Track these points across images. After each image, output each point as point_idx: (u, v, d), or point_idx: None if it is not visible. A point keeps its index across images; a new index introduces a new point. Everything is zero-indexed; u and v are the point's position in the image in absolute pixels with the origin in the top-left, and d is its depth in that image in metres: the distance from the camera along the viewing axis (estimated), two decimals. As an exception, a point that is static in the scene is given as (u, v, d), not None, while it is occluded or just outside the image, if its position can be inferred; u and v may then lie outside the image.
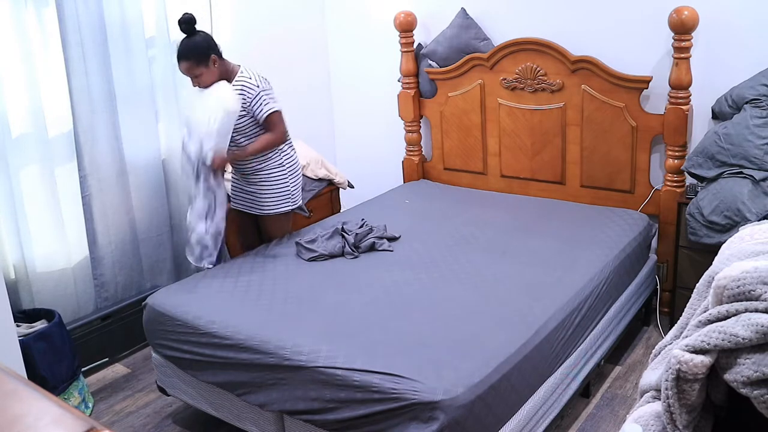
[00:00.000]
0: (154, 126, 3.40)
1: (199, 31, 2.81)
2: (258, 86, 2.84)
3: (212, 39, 2.85)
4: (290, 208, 3.04)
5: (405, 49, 3.81)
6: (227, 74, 2.86)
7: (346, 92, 4.42)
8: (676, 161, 3.13)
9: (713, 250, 1.39)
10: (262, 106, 2.83)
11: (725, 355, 1.02)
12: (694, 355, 1.02)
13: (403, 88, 3.92)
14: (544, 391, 2.26)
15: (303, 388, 2.10)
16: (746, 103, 2.83)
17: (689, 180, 3.12)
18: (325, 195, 3.84)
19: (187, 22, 2.76)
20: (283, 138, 2.93)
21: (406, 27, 3.74)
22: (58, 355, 2.70)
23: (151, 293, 2.68)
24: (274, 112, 2.86)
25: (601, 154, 3.34)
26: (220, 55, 2.84)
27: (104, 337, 3.18)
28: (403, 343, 2.14)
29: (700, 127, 3.15)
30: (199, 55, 2.75)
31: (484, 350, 2.08)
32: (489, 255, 2.78)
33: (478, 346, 2.10)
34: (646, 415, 1.16)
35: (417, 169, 4.00)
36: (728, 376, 1.01)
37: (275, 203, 3.00)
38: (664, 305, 3.28)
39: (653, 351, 1.29)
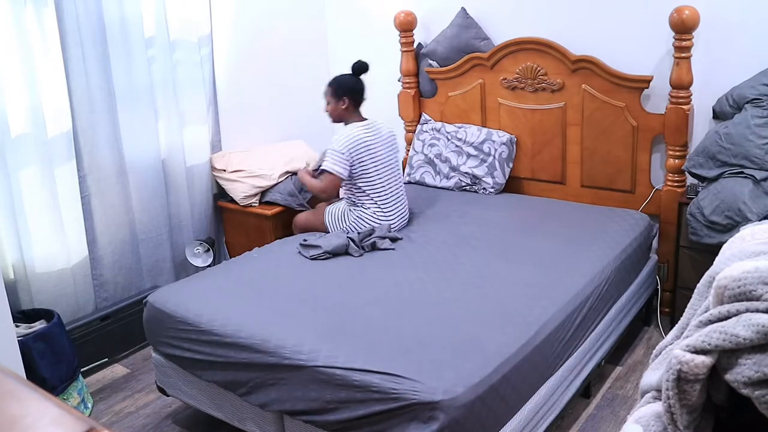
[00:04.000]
0: (153, 126, 3.40)
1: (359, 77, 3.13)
2: (336, 142, 3.03)
3: (354, 85, 3.10)
4: None
5: (405, 49, 3.81)
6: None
7: (346, 92, 4.41)
8: (676, 161, 3.13)
9: (714, 250, 1.38)
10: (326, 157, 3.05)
11: (726, 355, 1.01)
12: (694, 356, 1.02)
13: (403, 88, 3.92)
14: (544, 391, 2.26)
15: (303, 388, 2.10)
16: (747, 102, 2.83)
17: (690, 180, 3.11)
18: (325, 195, 3.83)
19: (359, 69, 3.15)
20: (322, 195, 3.13)
21: (406, 27, 3.74)
22: (57, 355, 2.70)
23: (151, 293, 2.67)
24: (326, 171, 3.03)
25: (601, 154, 3.34)
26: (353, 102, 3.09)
27: (104, 337, 3.18)
28: (403, 343, 2.13)
29: (701, 127, 3.15)
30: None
31: (484, 350, 2.08)
32: (489, 255, 2.78)
33: (479, 347, 2.10)
34: (647, 416, 1.15)
35: (417, 169, 4.00)
36: (729, 377, 1.00)
37: None
38: (664, 305, 3.28)
39: (654, 351, 1.29)
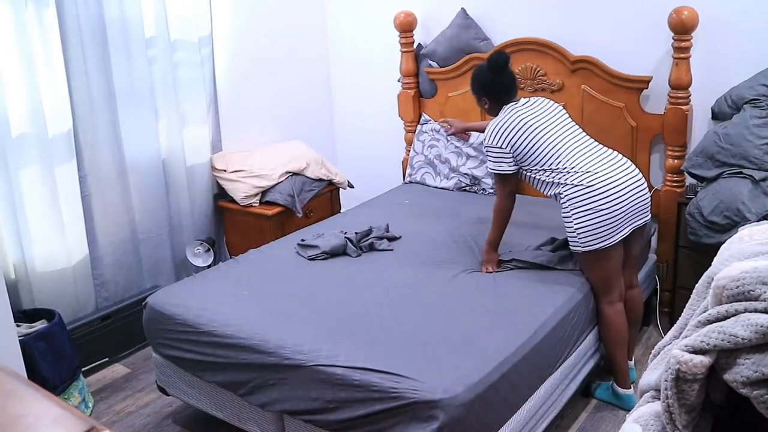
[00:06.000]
0: (154, 126, 3.40)
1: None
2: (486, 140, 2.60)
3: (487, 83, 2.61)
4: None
5: (405, 49, 3.81)
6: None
7: (346, 92, 4.42)
8: (675, 161, 3.13)
9: (713, 250, 1.39)
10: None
11: (725, 355, 1.02)
12: (693, 356, 1.02)
13: (403, 88, 3.92)
14: (544, 390, 2.26)
15: (303, 388, 2.10)
16: (746, 103, 2.83)
17: (689, 180, 3.12)
18: (325, 195, 3.84)
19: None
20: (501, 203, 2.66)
21: (406, 27, 3.75)
22: (58, 355, 2.70)
23: (151, 293, 2.68)
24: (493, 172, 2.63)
25: (600, 154, 3.34)
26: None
27: (104, 337, 3.18)
28: (403, 342, 2.14)
29: (700, 127, 3.15)
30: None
31: (483, 349, 2.08)
32: (489, 255, 2.78)
33: (478, 346, 2.10)
34: (646, 415, 1.16)
35: (417, 169, 4.00)
36: (728, 377, 1.01)
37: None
38: (664, 305, 3.28)
39: (653, 351, 1.29)
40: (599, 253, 2.45)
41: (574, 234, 2.46)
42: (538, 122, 2.54)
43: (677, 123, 3.07)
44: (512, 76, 2.61)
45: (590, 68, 3.26)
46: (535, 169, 2.53)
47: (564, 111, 2.68)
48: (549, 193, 2.56)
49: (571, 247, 2.53)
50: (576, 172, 2.45)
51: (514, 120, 2.53)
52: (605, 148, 2.57)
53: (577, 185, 2.43)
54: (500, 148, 2.54)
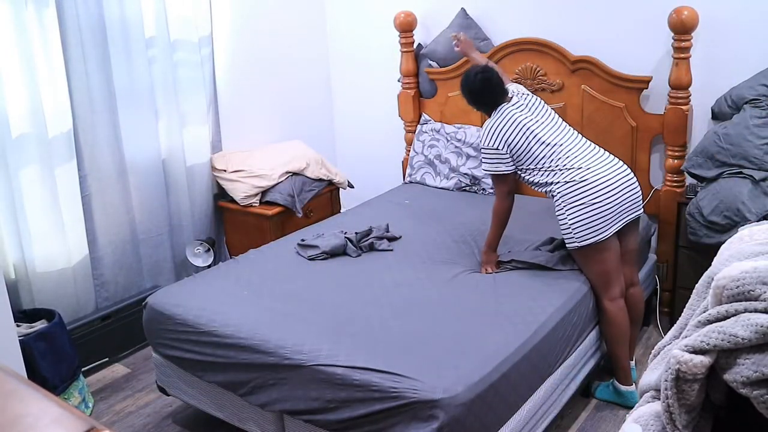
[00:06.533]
0: (154, 126, 3.41)
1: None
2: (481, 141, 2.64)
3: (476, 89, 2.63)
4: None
5: (405, 49, 3.81)
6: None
7: (346, 92, 4.42)
8: (675, 161, 3.13)
9: (713, 250, 1.39)
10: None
11: (725, 355, 1.02)
12: (693, 356, 1.02)
13: (403, 88, 3.92)
14: (544, 390, 2.26)
15: (303, 387, 2.10)
16: (746, 103, 2.83)
17: (689, 180, 3.12)
18: (325, 195, 3.84)
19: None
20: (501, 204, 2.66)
21: (406, 27, 3.75)
22: (58, 355, 2.70)
23: (151, 293, 2.68)
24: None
25: (600, 154, 3.34)
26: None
27: (104, 336, 3.18)
28: (403, 342, 2.14)
29: (700, 127, 3.15)
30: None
31: (483, 349, 2.08)
32: (489, 255, 2.78)
33: (478, 346, 2.11)
34: (646, 415, 1.16)
35: (417, 169, 4.00)
36: (728, 377, 1.01)
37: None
38: (664, 305, 3.28)
39: (653, 351, 1.29)
40: (595, 247, 2.48)
41: (569, 229, 2.49)
42: (531, 122, 2.57)
43: (677, 123, 3.07)
44: (498, 84, 2.62)
45: (590, 68, 3.26)
46: (529, 170, 2.57)
47: (550, 108, 2.72)
48: (541, 192, 2.61)
49: (567, 245, 2.55)
50: (568, 170, 2.49)
51: (508, 120, 2.56)
52: (593, 144, 2.61)
53: (569, 182, 2.47)
54: (497, 149, 2.57)
